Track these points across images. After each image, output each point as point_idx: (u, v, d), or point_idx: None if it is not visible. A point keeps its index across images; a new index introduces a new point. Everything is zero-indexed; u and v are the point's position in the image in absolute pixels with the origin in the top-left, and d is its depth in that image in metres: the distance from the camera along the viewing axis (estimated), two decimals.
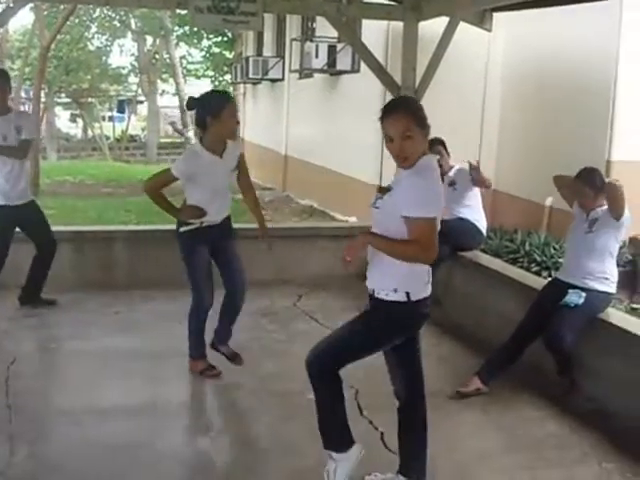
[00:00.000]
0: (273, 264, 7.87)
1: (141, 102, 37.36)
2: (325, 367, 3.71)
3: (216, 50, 34.62)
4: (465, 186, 6.92)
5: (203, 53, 35.49)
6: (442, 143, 6.93)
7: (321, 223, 12.19)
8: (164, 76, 34.65)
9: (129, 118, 35.10)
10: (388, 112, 3.54)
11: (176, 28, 30.46)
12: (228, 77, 33.84)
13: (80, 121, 37.67)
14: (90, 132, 35.12)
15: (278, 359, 5.93)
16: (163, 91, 35.10)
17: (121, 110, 36.86)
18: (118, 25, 31.21)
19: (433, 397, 5.23)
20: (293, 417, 4.84)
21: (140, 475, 4.16)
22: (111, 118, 37.03)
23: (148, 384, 5.40)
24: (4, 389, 5.14)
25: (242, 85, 23.15)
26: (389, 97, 9.09)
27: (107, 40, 33.17)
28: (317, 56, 13.44)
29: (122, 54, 42.17)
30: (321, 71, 14.13)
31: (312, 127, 15.58)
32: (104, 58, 34.47)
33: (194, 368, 5.46)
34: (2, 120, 6.66)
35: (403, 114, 3.50)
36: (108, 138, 33.74)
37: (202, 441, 4.59)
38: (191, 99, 5.18)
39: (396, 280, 3.58)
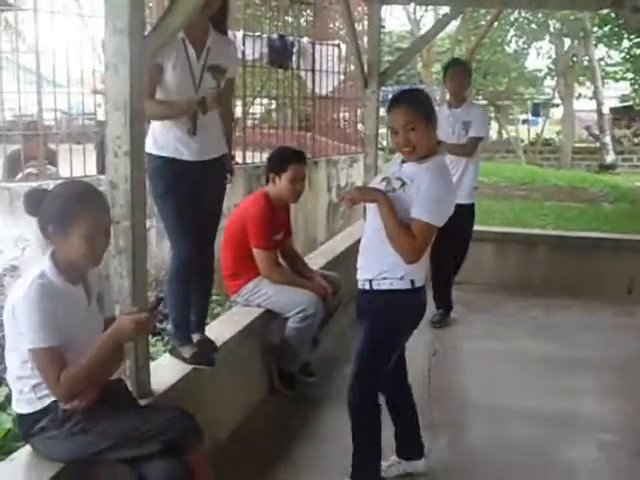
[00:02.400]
0: None
1: (556, 105, 36.86)
2: (365, 392, 3.68)
3: (637, 51, 33.09)
4: None
5: (623, 54, 34.13)
6: None
7: None
8: (581, 79, 33.87)
9: (544, 122, 34.77)
10: (392, 104, 3.56)
11: (595, 29, 29.63)
12: None
13: (495, 123, 38.16)
14: (505, 134, 35.43)
15: None
16: (579, 94, 34.33)
17: (536, 113, 36.61)
18: (536, 28, 31.09)
19: None
20: None
21: None
22: (525, 121, 36.95)
23: (563, 392, 5.33)
24: (427, 380, 5.41)
25: None
26: None
27: (524, 43, 33.21)
28: None
29: (539, 57, 42.05)
30: None
31: None
32: (521, 61, 34.56)
33: None
34: (451, 114, 6.47)
35: (406, 106, 3.52)
36: (522, 141, 33.76)
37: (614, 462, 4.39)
38: None
39: (404, 267, 3.54)
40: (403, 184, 3.54)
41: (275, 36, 9.94)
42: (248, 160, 9.07)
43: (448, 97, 6.66)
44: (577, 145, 30.78)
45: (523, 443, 4.54)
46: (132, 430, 2.92)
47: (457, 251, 6.67)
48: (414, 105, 3.52)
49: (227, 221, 5.09)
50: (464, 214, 6.25)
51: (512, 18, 29.98)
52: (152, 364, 3.75)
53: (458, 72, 6.52)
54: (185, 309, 4.16)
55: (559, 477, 4.19)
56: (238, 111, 10.86)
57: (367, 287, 3.65)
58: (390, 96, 3.67)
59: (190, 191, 3.98)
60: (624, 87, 36.34)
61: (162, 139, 3.94)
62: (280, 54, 9.79)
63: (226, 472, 3.72)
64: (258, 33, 9.79)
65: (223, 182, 4.25)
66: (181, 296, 4.11)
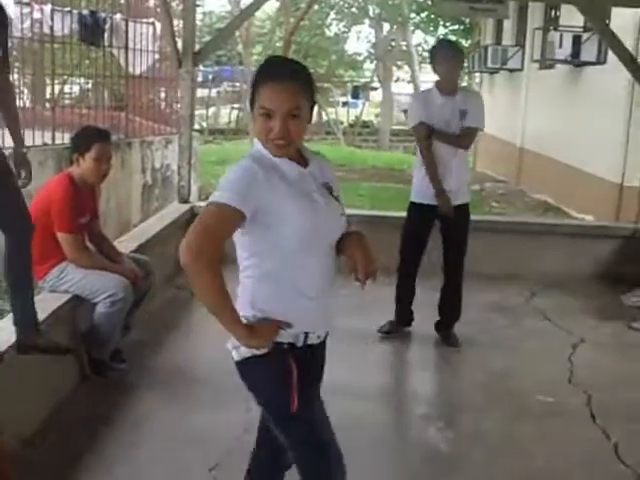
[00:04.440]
0: (503, 259, 7.72)
1: (375, 89, 37.80)
2: None
3: (452, 38, 34.49)
4: None
5: None
6: None
7: (557, 220, 11.70)
8: (399, 63, 34.90)
9: (363, 104, 35.59)
10: (272, 76, 2.48)
11: (412, 15, 30.61)
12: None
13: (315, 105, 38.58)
14: (324, 116, 35.97)
15: (509, 355, 5.81)
16: (397, 78, 35.38)
17: (355, 96, 37.43)
18: (356, 12, 31.75)
19: None
20: (522, 416, 4.74)
21: (365, 458, 4.11)
22: (345, 103, 37.69)
23: (381, 366, 5.50)
24: None
25: (478, 74, 22.93)
26: (638, 91, 8.67)
27: (344, 27, 33.86)
28: (561, 46, 13.05)
29: (359, 41, 43.01)
30: (564, 62, 13.71)
31: (550, 120, 15.11)
32: (341, 44, 35.20)
33: None
34: (446, 101, 5.66)
35: (294, 82, 2.48)
36: (342, 123, 34.43)
37: (429, 431, 4.54)
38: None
39: None
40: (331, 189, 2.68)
41: (86, 12, 9.63)
42: (58, 141, 8.69)
43: (437, 82, 5.78)
44: (395, 127, 31.64)
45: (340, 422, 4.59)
46: None
47: (451, 254, 5.97)
48: (303, 83, 2.52)
49: (31, 204, 4.87)
50: (466, 214, 5.87)
51: (332, 1, 30.47)
52: None
53: (451, 54, 5.65)
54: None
55: (381, 453, 4.22)
56: (49, 90, 10.49)
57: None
58: (262, 65, 2.59)
59: None
60: None
61: None
62: (91, 31, 9.48)
63: (32, 470, 3.56)
64: (68, 8, 9.41)
65: None
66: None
